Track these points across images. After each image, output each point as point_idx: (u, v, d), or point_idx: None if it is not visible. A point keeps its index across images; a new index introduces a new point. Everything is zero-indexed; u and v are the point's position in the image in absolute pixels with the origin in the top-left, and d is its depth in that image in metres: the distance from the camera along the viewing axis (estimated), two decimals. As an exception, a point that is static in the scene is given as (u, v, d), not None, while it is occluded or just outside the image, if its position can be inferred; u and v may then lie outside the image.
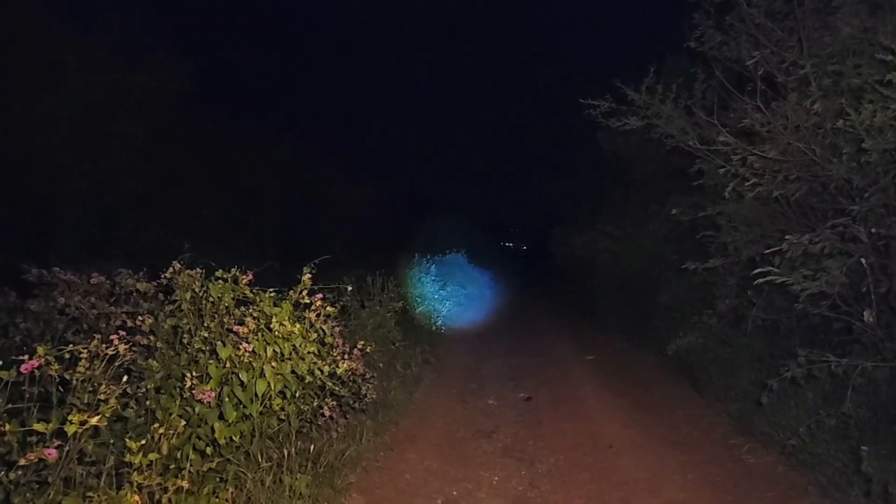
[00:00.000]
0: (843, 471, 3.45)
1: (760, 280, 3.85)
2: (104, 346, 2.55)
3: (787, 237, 3.71)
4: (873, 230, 3.53)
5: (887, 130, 3.06)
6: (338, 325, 3.82)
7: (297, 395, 3.34)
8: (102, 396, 2.37)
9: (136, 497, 2.32)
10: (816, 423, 3.68)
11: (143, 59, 10.75)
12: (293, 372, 3.28)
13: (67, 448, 2.26)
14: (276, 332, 3.21)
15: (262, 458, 3.18)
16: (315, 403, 3.57)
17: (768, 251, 3.92)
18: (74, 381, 2.43)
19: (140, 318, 3.19)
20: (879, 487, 3.03)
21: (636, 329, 8.27)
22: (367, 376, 3.97)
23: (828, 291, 3.61)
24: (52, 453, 2.14)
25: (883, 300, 3.70)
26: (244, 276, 3.38)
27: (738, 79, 4.46)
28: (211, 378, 3.01)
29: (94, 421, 2.23)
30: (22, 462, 2.11)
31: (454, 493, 3.76)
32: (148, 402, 2.88)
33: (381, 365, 5.17)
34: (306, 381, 3.34)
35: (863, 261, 3.59)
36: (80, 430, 2.24)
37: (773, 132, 3.89)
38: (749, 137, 4.13)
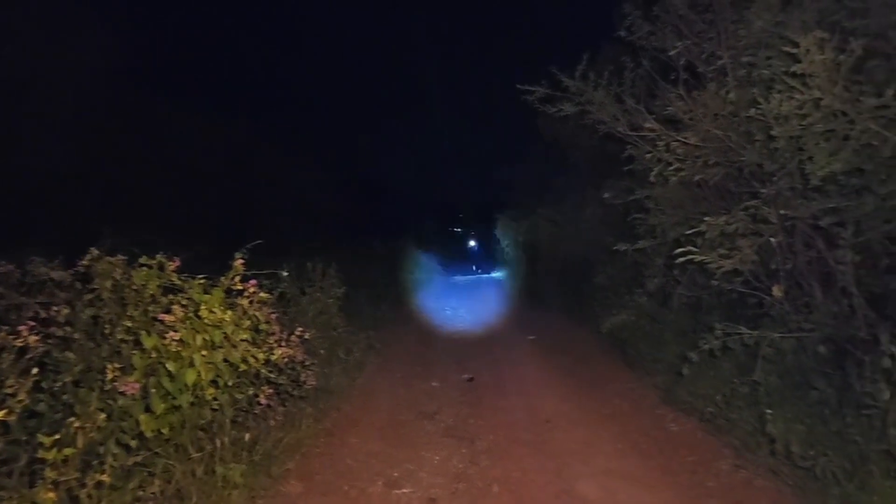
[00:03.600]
0: (753, 433, 3.72)
1: (682, 259, 4.06)
2: (11, 337, 2.43)
3: (705, 219, 3.92)
4: (781, 212, 3.77)
5: (792, 118, 3.26)
6: (274, 312, 3.76)
7: (230, 383, 3.28)
8: (10, 391, 2.26)
9: (52, 494, 2.23)
10: (731, 391, 3.95)
11: (72, 31, 10.11)
12: (226, 360, 3.22)
13: (-27, 446, 2.15)
14: (206, 320, 3.14)
15: (192, 450, 3.11)
16: (250, 392, 3.53)
17: (690, 232, 4.12)
18: (-21, 376, 2.30)
19: (55, 308, 3.03)
20: (783, 447, 3.30)
21: (575, 309, 8.56)
22: (307, 363, 3.94)
23: (741, 269, 3.86)
24: (-46, 452, 2.03)
25: (790, 276, 3.98)
26: (171, 263, 3.28)
27: (664, 68, 4.63)
28: (135, 369, 2.92)
29: (0, 416, 2.12)
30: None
31: (395, 474, 3.80)
32: (65, 396, 2.77)
33: (322, 351, 5.14)
34: (240, 369, 3.29)
35: (772, 240, 3.84)
36: (-15, 427, 2.13)
37: (694, 120, 4.08)
38: (673, 124, 4.32)
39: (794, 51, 3.14)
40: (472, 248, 22.67)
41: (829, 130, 3.11)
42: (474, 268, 21.99)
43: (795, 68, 3.15)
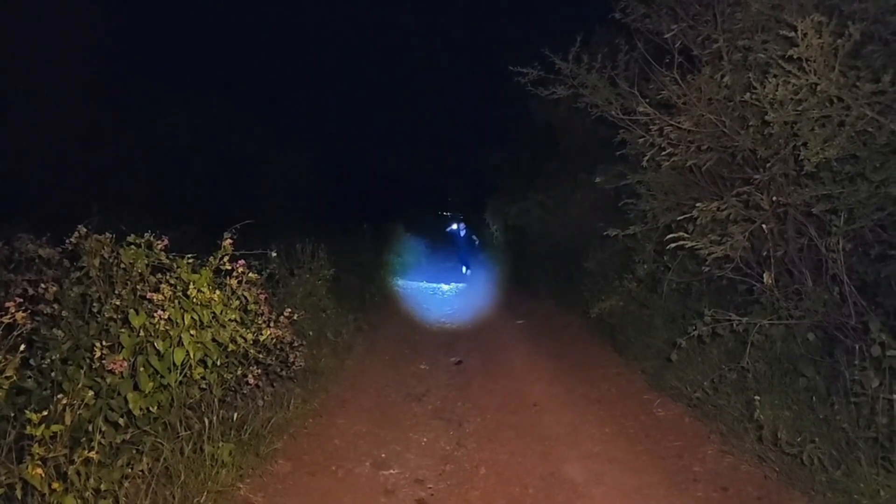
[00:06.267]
0: (740, 420, 3.73)
1: (673, 245, 4.07)
2: (-1, 314, 2.40)
3: (697, 204, 3.92)
4: (774, 198, 3.77)
5: (788, 104, 3.24)
6: (263, 293, 3.73)
7: (218, 363, 3.26)
8: (-2, 367, 2.24)
9: (40, 470, 2.22)
10: (719, 377, 3.95)
11: (60, 11, 9.90)
12: (214, 340, 3.19)
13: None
14: (195, 300, 3.11)
15: (181, 428, 3.10)
16: (239, 372, 3.51)
17: (681, 218, 4.12)
18: (-35, 353, 2.27)
19: (43, 285, 2.99)
20: (770, 433, 3.30)
21: (564, 294, 8.57)
22: (295, 344, 3.92)
23: (732, 255, 3.87)
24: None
25: (780, 263, 3.99)
26: (159, 242, 3.23)
27: (659, 51, 4.58)
28: (123, 347, 2.89)
29: (-14, 392, 2.10)
30: None
31: (383, 455, 3.82)
32: (53, 373, 2.74)
33: (310, 333, 5.12)
34: (229, 349, 3.27)
35: (764, 227, 3.84)
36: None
37: (687, 104, 4.06)
38: (667, 109, 4.28)
39: (792, 34, 3.10)
40: (457, 233, 16.62)
41: (824, 116, 3.09)
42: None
43: (792, 52, 3.12)
